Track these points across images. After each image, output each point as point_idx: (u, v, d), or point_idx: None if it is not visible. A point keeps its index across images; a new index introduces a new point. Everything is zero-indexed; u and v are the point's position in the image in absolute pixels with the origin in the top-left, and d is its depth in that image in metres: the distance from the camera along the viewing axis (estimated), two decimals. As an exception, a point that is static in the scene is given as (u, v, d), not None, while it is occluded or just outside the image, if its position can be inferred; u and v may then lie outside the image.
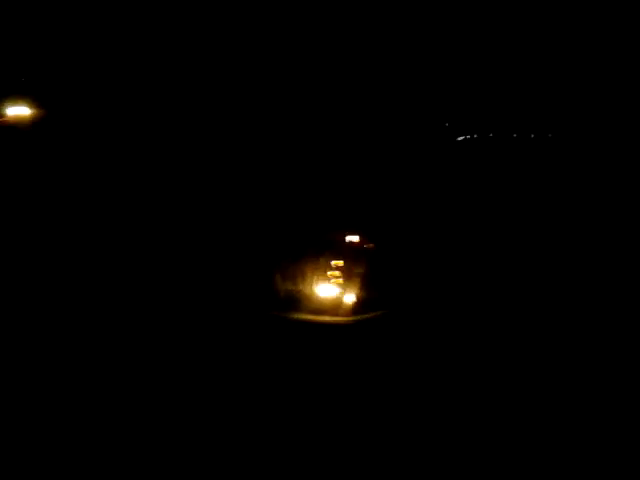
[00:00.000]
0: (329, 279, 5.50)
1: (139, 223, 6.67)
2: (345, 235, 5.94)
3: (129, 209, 6.88)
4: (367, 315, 5.18)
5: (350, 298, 5.26)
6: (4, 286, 5.90)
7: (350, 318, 5.15)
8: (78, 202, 6.94)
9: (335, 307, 5.30)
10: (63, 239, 6.46)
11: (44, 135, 7.40)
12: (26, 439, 4.06)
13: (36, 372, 4.88)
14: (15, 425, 4.19)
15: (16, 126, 6.97)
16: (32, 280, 6.03)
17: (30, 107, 6.79)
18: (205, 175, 7.29)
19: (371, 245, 6.03)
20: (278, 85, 7.72)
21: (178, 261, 6.02)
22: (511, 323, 5.24)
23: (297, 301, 5.31)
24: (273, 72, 7.75)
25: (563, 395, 4.53)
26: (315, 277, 5.58)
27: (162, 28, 7.46)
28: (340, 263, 5.68)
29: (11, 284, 5.91)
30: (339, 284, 5.48)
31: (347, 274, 5.52)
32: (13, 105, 6.69)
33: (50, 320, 5.53)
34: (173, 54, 7.65)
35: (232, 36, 7.59)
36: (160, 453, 3.91)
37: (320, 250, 5.84)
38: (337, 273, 5.58)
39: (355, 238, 5.85)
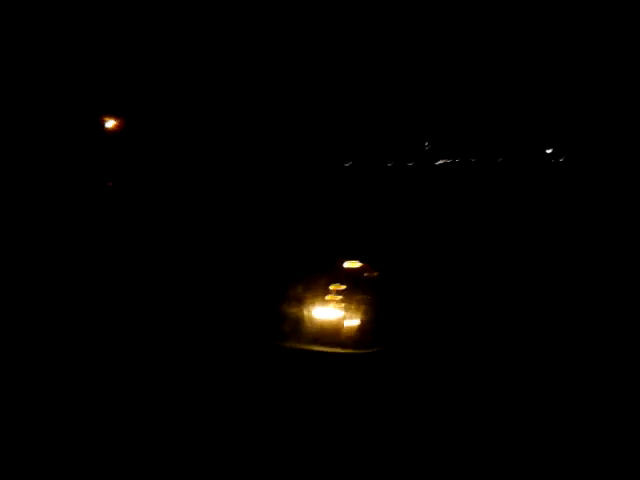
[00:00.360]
0: (330, 302, 5.28)
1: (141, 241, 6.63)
2: (344, 261, 5.75)
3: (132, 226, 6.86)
4: (371, 349, 4.95)
5: (353, 323, 5.02)
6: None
7: (354, 350, 4.92)
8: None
9: (337, 334, 5.06)
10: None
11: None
12: (25, 439, 4.15)
13: (35, 371, 4.88)
14: (14, 424, 4.25)
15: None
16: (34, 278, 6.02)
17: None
18: (208, 199, 7.28)
19: (375, 273, 5.83)
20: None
21: (176, 291, 5.94)
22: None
23: (298, 329, 5.07)
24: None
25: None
26: (316, 301, 5.37)
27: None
28: (341, 287, 5.47)
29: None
30: (341, 308, 5.26)
31: (349, 299, 5.32)
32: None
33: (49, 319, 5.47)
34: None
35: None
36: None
37: (320, 275, 5.65)
38: (338, 297, 5.36)
39: (354, 264, 5.64)
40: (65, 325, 5.54)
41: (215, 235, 6.55)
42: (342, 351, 5.14)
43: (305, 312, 5.48)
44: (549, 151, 8.08)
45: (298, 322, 5.46)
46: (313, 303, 5.52)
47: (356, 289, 5.68)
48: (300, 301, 5.58)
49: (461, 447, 4.22)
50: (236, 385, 4.91)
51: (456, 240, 6.64)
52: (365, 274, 5.90)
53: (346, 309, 5.46)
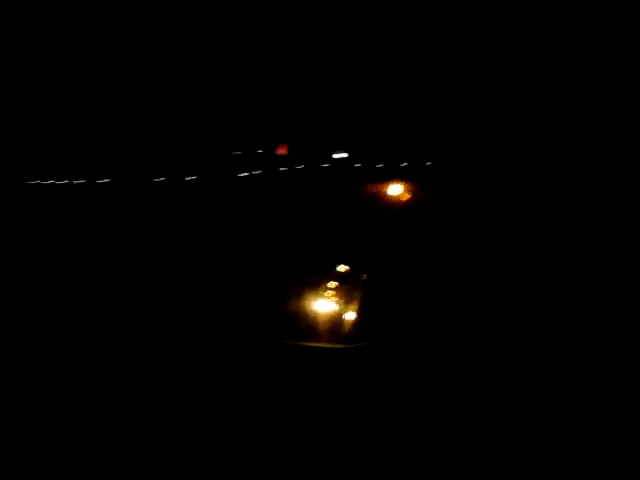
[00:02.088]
0: (323, 300, 5.58)
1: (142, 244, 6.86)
2: (337, 266, 6.07)
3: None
4: (366, 342, 5.20)
5: (345, 318, 5.28)
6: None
7: (345, 345, 5.17)
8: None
9: (330, 329, 5.32)
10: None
11: None
12: (25, 439, 4.22)
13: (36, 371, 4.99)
14: (14, 425, 4.34)
15: None
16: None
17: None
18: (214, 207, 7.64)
19: (364, 276, 6.13)
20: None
21: (184, 291, 6.17)
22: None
23: (292, 325, 5.32)
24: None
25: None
26: (311, 296, 5.65)
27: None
28: (334, 285, 5.77)
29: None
30: (333, 304, 5.54)
31: (342, 295, 5.61)
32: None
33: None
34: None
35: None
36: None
37: (315, 277, 5.95)
38: (332, 292, 5.66)
39: (345, 268, 5.95)
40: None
41: (224, 243, 6.83)
42: (333, 346, 5.40)
43: (299, 309, 5.76)
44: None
45: (292, 319, 5.72)
46: (307, 301, 5.80)
47: (347, 289, 5.98)
48: (295, 299, 5.86)
49: (454, 441, 4.31)
50: (236, 379, 5.10)
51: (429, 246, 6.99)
52: (355, 277, 6.22)
53: (338, 305, 5.76)
